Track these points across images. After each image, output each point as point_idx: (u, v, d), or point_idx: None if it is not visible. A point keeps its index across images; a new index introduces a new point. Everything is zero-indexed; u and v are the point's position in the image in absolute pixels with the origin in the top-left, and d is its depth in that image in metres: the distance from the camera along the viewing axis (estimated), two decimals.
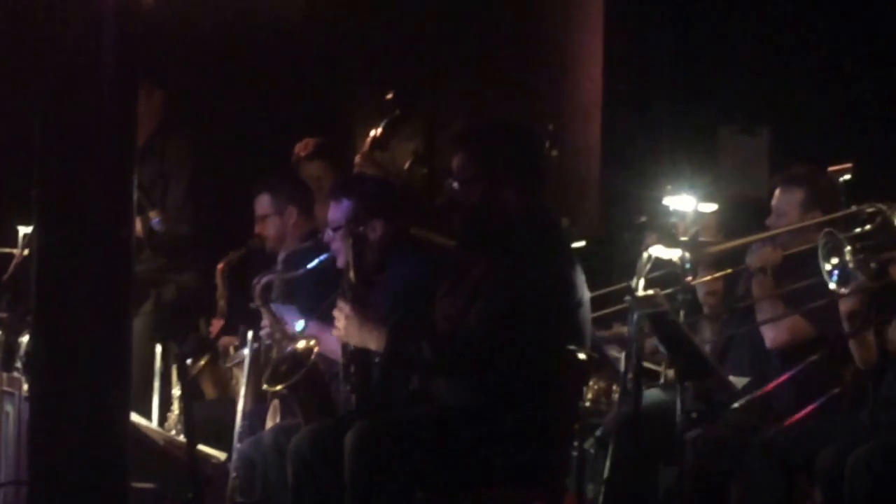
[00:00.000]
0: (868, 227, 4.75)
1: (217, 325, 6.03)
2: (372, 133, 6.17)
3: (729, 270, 5.26)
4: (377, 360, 4.66)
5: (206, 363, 6.16)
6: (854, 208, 4.94)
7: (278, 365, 4.98)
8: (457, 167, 4.61)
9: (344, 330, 4.66)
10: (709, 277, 5.28)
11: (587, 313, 4.58)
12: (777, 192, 5.32)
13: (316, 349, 4.93)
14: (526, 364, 4.40)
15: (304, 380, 4.89)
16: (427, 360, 4.48)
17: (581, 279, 4.57)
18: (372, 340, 4.59)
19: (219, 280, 6.03)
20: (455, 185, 4.59)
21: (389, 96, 6.32)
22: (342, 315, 4.66)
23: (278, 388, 4.91)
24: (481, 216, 4.58)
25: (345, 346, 4.79)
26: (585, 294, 4.57)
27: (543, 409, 4.42)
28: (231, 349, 6.00)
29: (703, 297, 5.42)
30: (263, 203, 6.00)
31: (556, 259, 4.52)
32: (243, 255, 5.99)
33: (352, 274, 4.89)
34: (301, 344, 5.00)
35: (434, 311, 4.67)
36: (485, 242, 4.59)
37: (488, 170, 4.56)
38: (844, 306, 4.68)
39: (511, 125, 4.87)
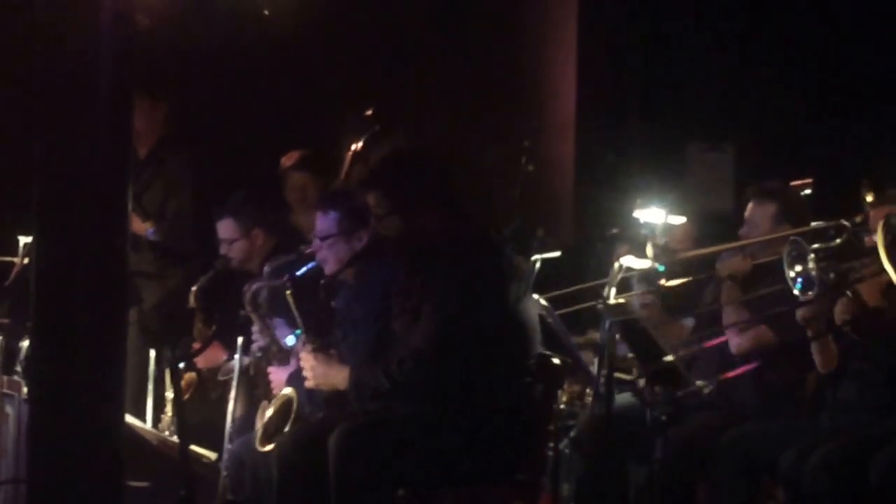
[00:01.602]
0: (836, 241, 4.92)
1: (196, 347, 5.93)
2: (353, 147, 6.28)
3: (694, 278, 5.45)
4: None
5: (194, 387, 6.11)
6: (822, 224, 5.12)
7: (268, 426, 5.10)
8: (372, 206, 4.73)
9: (314, 380, 4.85)
10: (674, 283, 5.41)
11: (528, 308, 4.66)
12: (750, 204, 5.47)
13: (295, 398, 5.07)
14: (481, 367, 4.52)
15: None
16: (386, 388, 4.61)
17: (516, 277, 4.64)
18: (339, 381, 4.77)
19: (193, 304, 5.95)
20: (374, 222, 4.73)
21: (370, 112, 6.47)
22: (308, 366, 4.86)
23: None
24: (404, 247, 4.70)
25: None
26: (522, 292, 4.66)
27: (516, 409, 4.54)
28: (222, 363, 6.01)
29: (638, 308, 5.47)
30: (227, 227, 5.96)
31: (483, 269, 4.60)
32: (212, 278, 5.94)
33: (301, 327, 5.06)
34: (278, 401, 5.14)
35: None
36: (414, 269, 4.70)
37: (399, 203, 4.66)
38: (801, 312, 4.83)
39: (412, 154, 4.94)
